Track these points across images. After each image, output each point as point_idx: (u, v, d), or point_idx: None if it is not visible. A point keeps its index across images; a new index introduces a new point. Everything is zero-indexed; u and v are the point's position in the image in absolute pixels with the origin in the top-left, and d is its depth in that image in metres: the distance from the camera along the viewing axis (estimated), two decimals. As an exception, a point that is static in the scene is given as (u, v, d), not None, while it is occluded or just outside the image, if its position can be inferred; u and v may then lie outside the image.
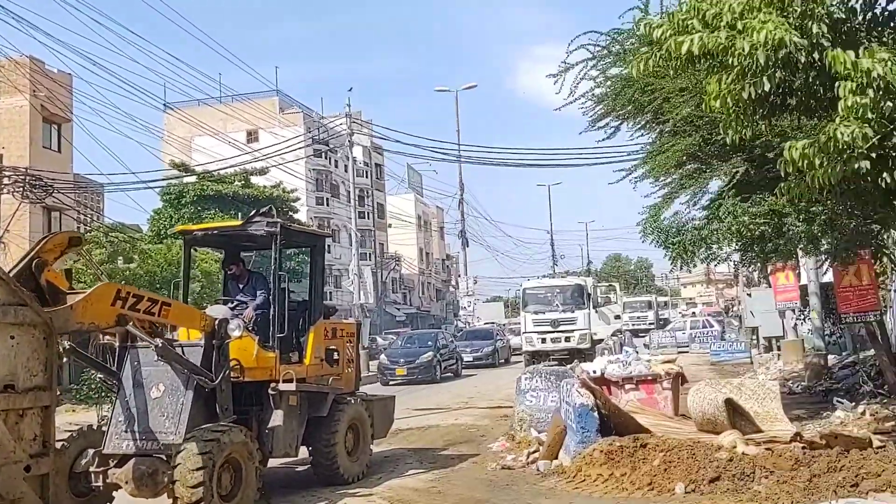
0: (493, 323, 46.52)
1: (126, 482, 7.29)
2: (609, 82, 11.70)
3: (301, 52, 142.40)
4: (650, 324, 51.03)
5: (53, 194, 27.19)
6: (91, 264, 7.15)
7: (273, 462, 9.30)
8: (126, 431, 7.60)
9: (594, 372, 11.32)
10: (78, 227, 35.38)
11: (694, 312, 58.40)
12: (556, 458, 9.33)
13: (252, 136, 51.78)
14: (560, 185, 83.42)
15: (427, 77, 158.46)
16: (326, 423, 9.11)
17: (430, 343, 26.60)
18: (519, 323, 43.09)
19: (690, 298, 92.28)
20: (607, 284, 33.33)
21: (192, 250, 10.21)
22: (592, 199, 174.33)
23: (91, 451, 7.54)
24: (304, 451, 9.30)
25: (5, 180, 25.10)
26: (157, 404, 7.68)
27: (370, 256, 50.52)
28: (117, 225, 34.77)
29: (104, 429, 7.76)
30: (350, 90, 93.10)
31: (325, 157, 55.16)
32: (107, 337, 8.51)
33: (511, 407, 12.53)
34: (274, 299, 8.94)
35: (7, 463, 4.85)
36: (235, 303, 9.27)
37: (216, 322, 7.94)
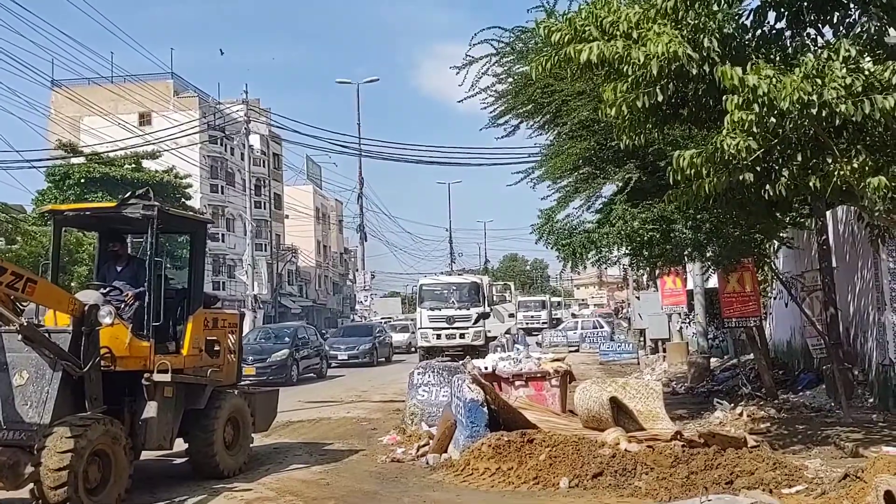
0: (389, 318, 46.51)
1: None
2: (511, 80, 11.89)
3: (199, 36, 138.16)
4: (543, 323, 52.25)
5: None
6: None
7: (150, 455, 8.99)
8: None
9: (486, 368, 11.49)
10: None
11: (584, 313, 60.10)
12: (446, 451, 9.42)
13: (144, 119, 49.88)
14: (460, 184, 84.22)
15: (328, 70, 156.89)
16: (204, 416, 8.85)
17: (286, 339, 23.04)
18: (403, 319, 43.71)
19: (583, 299, 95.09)
20: (503, 283, 34.02)
21: (62, 231, 9.70)
22: (492, 198, 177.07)
23: None
24: (182, 444, 9.02)
25: None
26: (21, 391, 7.31)
27: (266, 247, 49.55)
28: (-1, 204, 32.87)
29: None
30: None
31: (221, 144, 53.63)
32: None
33: (403, 401, 12.57)
34: (149, 286, 8.57)
35: None
36: (109, 288, 8.82)
37: (86, 307, 7.59)
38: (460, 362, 12.55)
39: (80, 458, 6.72)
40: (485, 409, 9.21)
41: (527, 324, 48.28)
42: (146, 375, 8.18)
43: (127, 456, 7.41)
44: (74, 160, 39.73)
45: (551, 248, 11.92)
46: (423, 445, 10.00)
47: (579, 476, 7.82)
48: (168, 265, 9.72)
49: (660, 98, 7.21)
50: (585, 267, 14.45)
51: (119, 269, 9.19)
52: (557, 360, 12.21)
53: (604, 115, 7.90)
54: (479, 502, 7.42)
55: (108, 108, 42.86)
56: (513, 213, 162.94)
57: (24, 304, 7.52)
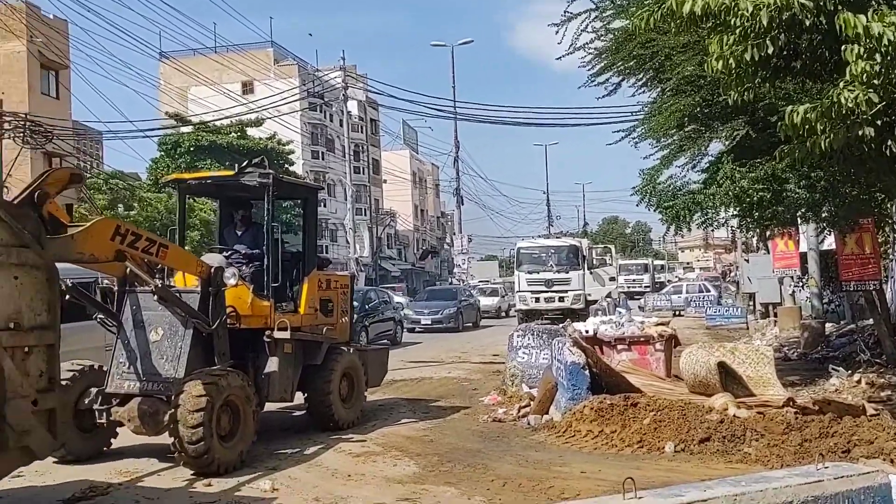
0: (486, 281, 46.69)
1: (129, 420, 7.60)
2: (611, 35, 11.57)
3: (296, 3, 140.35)
4: (645, 287, 51.34)
5: (53, 140, 27.08)
6: (94, 207, 7.40)
7: (271, 406, 9.53)
8: (127, 372, 7.85)
9: (586, 332, 11.44)
10: (76, 174, 35.25)
11: (689, 277, 58.63)
12: (547, 413, 9.50)
13: (247, 88, 51.29)
14: (557, 146, 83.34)
15: (423, 33, 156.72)
16: (321, 371, 9.34)
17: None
18: (494, 283, 43.46)
19: (688, 263, 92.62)
20: (603, 246, 33.37)
21: (186, 198, 10.28)
22: (590, 160, 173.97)
23: (94, 390, 7.84)
24: (300, 398, 9.61)
25: (6, 126, 24.89)
26: (157, 347, 7.89)
27: (365, 212, 50.47)
28: (116, 172, 34.70)
29: (105, 369, 7.99)
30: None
31: (321, 111, 54.70)
32: (106, 280, 8.59)
33: (503, 363, 12.70)
34: (267, 250, 9.09)
35: (16, 397, 4.96)
36: (231, 251, 9.36)
37: (212, 269, 8.04)
38: (560, 325, 12.53)
39: (212, 407, 7.21)
40: (586, 371, 9.22)
41: (628, 287, 47.55)
42: (267, 333, 8.70)
43: (253, 407, 7.91)
44: (183, 129, 41.36)
45: (654, 209, 11.64)
46: (524, 406, 10.11)
47: (685, 441, 7.75)
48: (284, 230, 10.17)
49: (770, 50, 6.87)
50: (690, 229, 14.07)
51: (239, 233, 9.71)
52: (662, 324, 12.02)
53: (710, 70, 7.61)
54: (582, 463, 7.46)
55: (213, 77, 44.39)
56: (613, 174, 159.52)
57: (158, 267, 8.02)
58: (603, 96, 12.34)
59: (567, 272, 26.47)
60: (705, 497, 3.11)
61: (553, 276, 26.45)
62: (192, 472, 7.25)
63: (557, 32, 11.31)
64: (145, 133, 35.96)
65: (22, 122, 25.80)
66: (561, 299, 26.19)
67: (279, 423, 9.88)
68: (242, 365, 8.46)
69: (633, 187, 11.95)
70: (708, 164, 11.64)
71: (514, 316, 31.08)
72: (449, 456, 7.95)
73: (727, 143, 10.79)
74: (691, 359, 9.51)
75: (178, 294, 8.05)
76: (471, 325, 29.76)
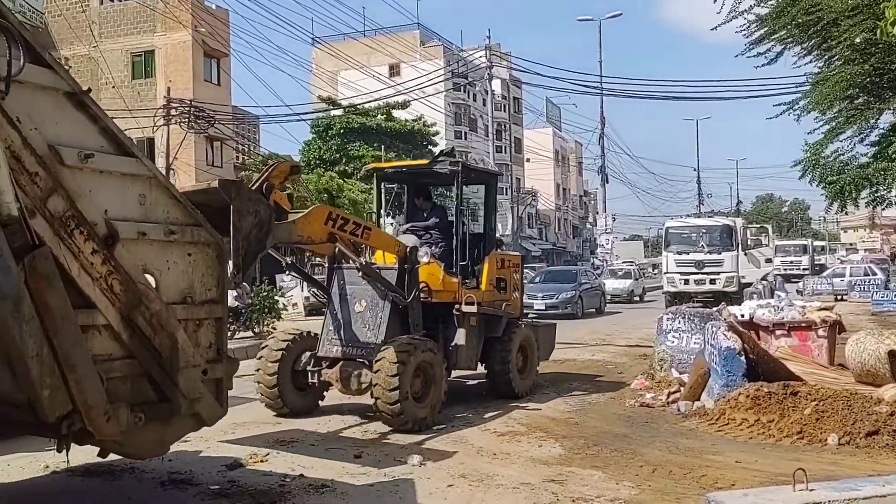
0: (631, 261, 45.58)
1: (336, 381, 8.79)
2: (772, 1, 10.95)
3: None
4: (804, 269, 48.55)
5: (215, 125, 28.85)
6: (306, 191, 8.51)
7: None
8: (335, 338, 9.01)
9: (742, 316, 10.97)
10: (237, 157, 37.43)
11: (853, 259, 54.81)
12: (698, 399, 9.20)
13: (394, 70, 52.42)
14: (709, 120, 79.65)
15: (569, 8, 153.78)
16: (501, 344, 10.18)
17: None
18: (625, 263, 41.54)
19: (851, 244, 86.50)
20: (759, 226, 31.65)
21: (382, 185, 11.04)
22: (745, 135, 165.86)
23: (308, 354, 9.09)
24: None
25: (172, 112, 26.78)
26: (360, 317, 8.97)
27: (507, 191, 50.52)
28: (272, 154, 36.54)
29: (317, 335, 9.20)
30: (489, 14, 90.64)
31: (464, 91, 55.13)
32: (317, 258, 9.42)
33: (650, 347, 12.40)
34: (456, 231, 10.00)
35: (188, 366, 5.35)
36: (422, 232, 10.19)
37: (408, 248, 8.96)
38: (713, 309, 12.06)
39: (408, 370, 8.07)
40: (742, 357, 8.83)
41: (785, 270, 45.06)
42: (456, 306, 9.60)
43: (442, 372, 8.73)
44: (334, 112, 42.87)
45: (817, 185, 11.00)
46: (674, 392, 9.83)
47: (850, 433, 7.32)
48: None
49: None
50: (857, 206, 13.16)
51: (425, 215, 10.50)
52: (824, 308, 11.33)
53: (884, 35, 7.03)
54: (737, 453, 7.19)
55: (362, 60, 45.65)
56: (769, 150, 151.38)
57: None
58: (762, 66, 11.78)
59: (719, 253, 25.39)
60: (884, 493, 2.92)
61: (704, 256, 25.44)
62: (389, 428, 8.23)
63: (715, 1, 10.86)
64: (300, 116, 37.47)
65: (187, 108, 27.68)
66: (712, 281, 25.18)
67: (459, 391, 10.53)
68: (433, 335, 9.27)
69: (795, 161, 11.34)
70: (879, 138, 10.85)
71: (650, 301, 30.04)
72: (595, 439, 7.88)
73: (901, 114, 9.98)
74: (859, 346, 8.94)
75: (378, 270, 8.94)
76: (593, 311, 26.90)
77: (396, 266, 8.93)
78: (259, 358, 9.10)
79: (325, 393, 9.41)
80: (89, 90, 5.07)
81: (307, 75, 54.20)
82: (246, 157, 37.65)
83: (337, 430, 8.44)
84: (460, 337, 9.60)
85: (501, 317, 10.26)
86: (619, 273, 36.59)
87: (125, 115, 24.93)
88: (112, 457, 5.70)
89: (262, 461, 7.05)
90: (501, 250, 11.63)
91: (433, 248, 9.80)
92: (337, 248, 8.20)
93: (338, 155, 42.16)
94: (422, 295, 9.13)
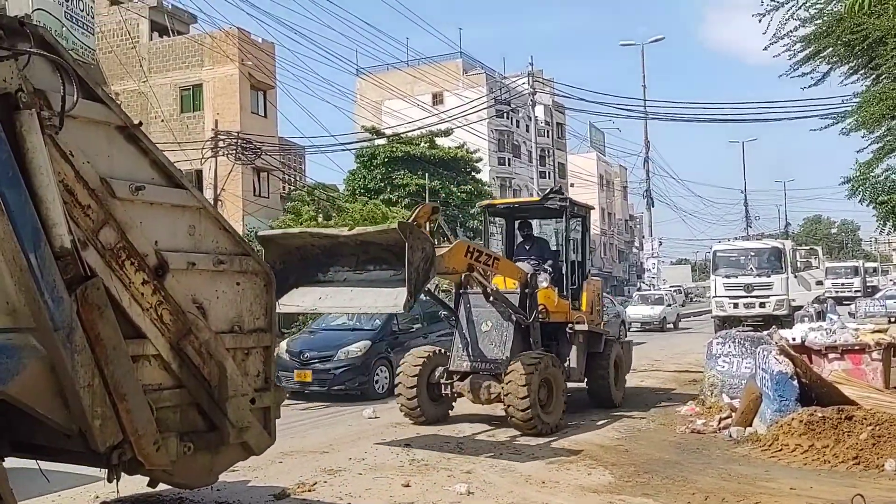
0: (678, 286, 44.83)
1: (467, 392, 10.00)
2: (819, 20, 10.81)
3: (484, 11, 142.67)
4: (856, 291, 47.26)
5: (262, 156, 29.35)
6: (444, 227, 9.45)
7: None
8: (464, 355, 10.20)
9: (793, 339, 10.70)
10: (283, 187, 38.02)
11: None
12: (751, 425, 8.99)
13: (437, 99, 52.83)
14: (755, 142, 78.48)
15: (611, 33, 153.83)
16: (602, 358, 11.34)
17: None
18: (655, 290, 40.16)
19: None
20: (808, 248, 30.95)
21: (489, 219, 12.80)
22: (792, 156, 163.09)
23: (440, 369, 10.37)
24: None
25: (220, 144, 27.35)
26: (487, 336, 10.11)
27: (553, 217, 50.31)
28: (318, 185, 37.01)
29: (447, 353, 10.47)
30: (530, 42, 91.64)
31: (507, 118, 55.31)
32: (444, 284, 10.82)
33: (700, 372, 12.18)
34: (565, 259, 11.40)
35: (237, 395, 5.42)
36: (533, 260, 11.24)
37: (528, 275, 10.25)
38: (764, 332, 11.81)
39: (535, 381, 9.27)
40: (794, 382, 8.63)
41: (836, 292, 43.92)
42: (570, 325, 10.82)
43: (563, 383, 9.97)
44: (378, 141, 43.32)
45: (867, 204, 10.75)
46: (725, 417, 9.63)
47: (910, 459, 7.06)
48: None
49: None
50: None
51: (527, 247, 11.70)
52: (878, 331, 11.00)
53: None
54: (791, 479, 7.00)
55: (406, 90, 46.15)
56: (816, 170, 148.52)
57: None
58: (809, 86, 11.62)
59: (769, 276, 24.86)
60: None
61: (753, 280, 24.94)
62: (520, 433, 9.40)
63: (760, 21, 10.80)
64: (344, 146, 38.00)
65: (234, 140, 28.24)
66: (762, 305, 24.65)
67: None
68: (548, 351, 10.32)
69: (844, 178, 11.11)
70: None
71: (685, 329, 29.17)
72: (645, 467, 7.75)
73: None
74: (916, 370, 8.65)
75: (504, 294, 9.99)
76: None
77: (518, 290, 10.15)
78: (398, 374, 10.50)
79: (453, 404, 10.71)
80: (140, 123, 5.23)
81: (351, 105, 54.98)
82: (292, 188, 38.19)
83: (384, 460, 8.44)
84: (573, 353, 10.79)
85: (601, 334, 11.50)
86: (652, 298, 34.86)
87: (174, 147, 25.55)
88: (161, 487, 5.78)
89: (309, 490, 7.07)
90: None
91: (546, 274, 10.91)
92: (464, 276, 9.43)
93: (382, 184, 42.48)
94: (540, 316, 10.28)
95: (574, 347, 10.82)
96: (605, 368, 11.30)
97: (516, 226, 12.19)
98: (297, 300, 8.45)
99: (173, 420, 5.11)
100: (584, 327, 10.89)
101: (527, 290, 10.13)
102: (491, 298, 9.78)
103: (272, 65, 35.55)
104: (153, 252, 5.00)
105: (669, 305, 34.53)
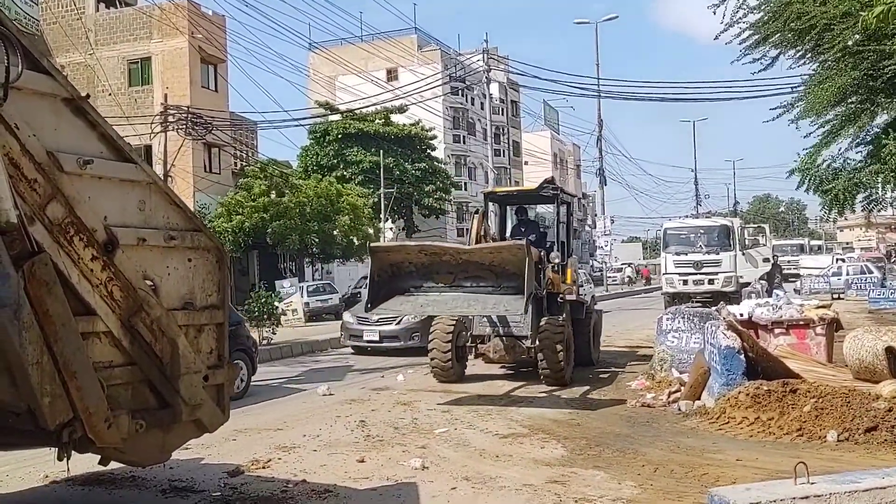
0: (630, 263, 45.45)
1: (493, 352, 11.69)
2: (766, 7, 11.01)
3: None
4: (804, 268, 48.50)
5: (213, 131, 28.82)
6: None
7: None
8: (485, 321, 11.76)
9: (741, 315, 10.98)
10: (235, 163, 37.44)
11: (850, 257, 54.79)
12: (699, 399, 9.22)
13: (392, 75, 52.43)
14: (706, 122, 79.68)
15: (566, 10, 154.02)
16: (584, 325, 12.94)
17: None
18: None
19: (847, 243, 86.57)
20: (756, 226, 31.65)
21: (490, 204, 14.02)
22: (741, 136, 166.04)
23: (465, 333, 11.98)
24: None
25: (170, 118, 26.76)
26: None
27: (508, 195, 50.44)
28: (271, 161, 36.50)
29: (466, 320, 11.90)
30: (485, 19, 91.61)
31: (462, 95, 55.16)
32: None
33: (650, 347, 12.42)
34: (557, 240, 12.85)
35: (189, 372, 5.36)
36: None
37: (541, 252, 11.69)
38: (712, 308, 12.09)
39: (564, 342, 11.03)
40: (742, 356, 8.85)
41: (783, 269, 45.05)
42: (561, 295, 12.17)
43: (571, 343, 11.61)
44: (332, 117, 42.87)
45: (812, 193, 11.02)
46: (675, 392, 9.85)
47: (849, 430, 7.34)
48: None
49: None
50: (853, 211, 13.18)
51: (523, 229, 13.12)
52: (822, 307, 11.36)
53: (866, 25, 6.94)
54: (738, 451, 7.20)
55: (360, 65, 45.67)
56: (765, 150, 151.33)
57: None
58: (759, 71, 11.80)
59: (717, 253, 25.38)
60: (884, 484, 2.94)
61: (703, 257, 25.44)
62: (550, 385, 11.09)
63: (715, 14, 10.96)
64: (298, 122, 37.52)
65: (184, 115, 27.67)
66: (711, 282, 25.17)
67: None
68: None
69: (790, 170, 11.37)
70: (872, 139, 10.88)
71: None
72: (597, 440, 7.89)
73: (893, 117, 10.01)
74: (856, 343, 8.95)
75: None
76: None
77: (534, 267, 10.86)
78: (431, 339, 11.81)
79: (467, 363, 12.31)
80: (87, 96, 5.09)
81: (305, 80, 54.23)
82: (244, 164, 37.62)
83: (339, 436, 8.45)
84: (565, 318, 11.92)
85: (583, 303, 13.10)
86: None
87: (122, 122, 24.93)
88: (113, 465, 5.71)
89: (263, 467, 7.05)
90: None
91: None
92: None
93: (335, 160, 42.16)
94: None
95: (563, 315, 11.95)
96: (587, 333, 12.96)
97: (514, 210, 13.92)
98: (396, 306, 10.23)
99: (125, 397, 5.05)
100: (573, 297, 12.43)
101: (540, 266, 11.36)
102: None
103: (223, 38, 34.83)
104: (102, 227, 4.89)
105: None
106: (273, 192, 32.45)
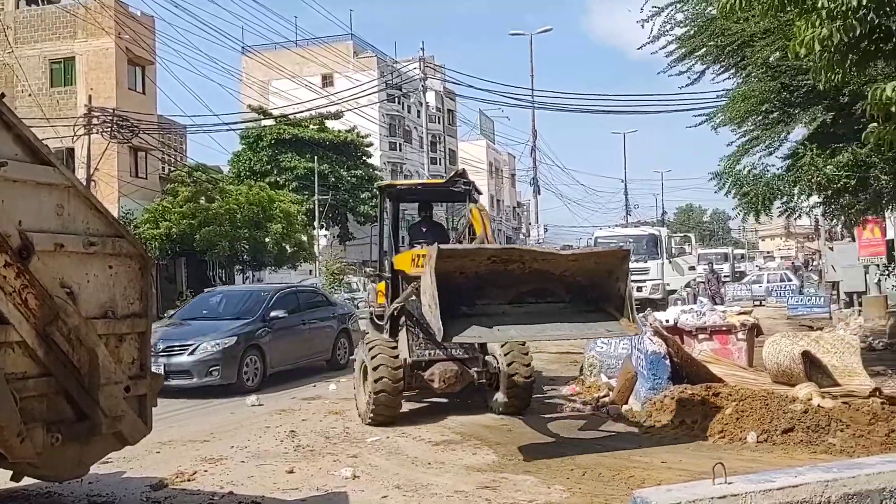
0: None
1: (441, 380, 9.33)
2: (692, 22, 11.38)
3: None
4: (726, 276, 50.07)
5: (139, 135, 28.13)
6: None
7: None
8: (423, 342, 9.61)
9: (667, 321, 11.25)
10: (162, 167, 36.59)
11: (770, 266, 56.82)
12: (627, 403, 9.40)
13: (327, 81, 52.10)
14: (635, 133, 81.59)
15: (503, 21, 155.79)
16: None
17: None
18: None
19: (768, 252, 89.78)
20: (682, 235, 32.56)
21: (386, 201, 11.21)
22: (670, 148, 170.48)
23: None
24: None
25: (94, 121, 26.01)
26: None
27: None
28: (200, 166, 35.79)
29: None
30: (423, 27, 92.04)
31: (398, 103, 55.19)
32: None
33: (580, 353, 12.59)
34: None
35: (109, 383, 5.19)
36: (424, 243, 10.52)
37: None
38: (640, 315, 12.36)
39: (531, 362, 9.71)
40: (667, 361, 9.08)
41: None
42: None
43: None
44: (265, 122, 42.34)
45: (731, 196, 11.40)
46: (603, 396, 10.02)
47: (768, 431, 7.57)
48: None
49: (858, 32, 6.59)
50: (770, 217, 13.66)
51: (424, 230, 11.24)
52: (743, 313, 11.73)
53: (793, 55, 7.32)
54: (663, 453, 7.36)
55: (294, 70, 45.27)
56: (692, 162, 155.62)
57: None
58: (686, 85, 12.15)
59: (646, 261, 25.97)
60: (796, 483, 3.07)
61: (631, 265, 25.95)
62: (508, 415, 9.33)
63: (644, 27, 11.26)
64: (229, 126, 36.86)
65: (110, 117, 26.95)
66: (639, 289, 25.64)
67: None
68: None
69: (712, 173, 11.73)
70: (789, 151, 11.33)
71: None
72: (528, 445, 7.96)
73: (809, 128, 10.45)
74: (775, 348, 9.27)
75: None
76: (324, 363, 14.62)
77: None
78: (377, 379, 9.02)
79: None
80: (3, 95, 4.91)
81: (237, 84, 53.44)
82: (172, 169, 36.80)
83: (268, 447, 8.30)
84: None
85: None
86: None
87: (43, 123, 24.11)
88: (27, 480, 5.50)
89: (188, 480, 6.89)
90: None
91: None
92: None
93: (269, 166, 41.64)
94: None
95: None
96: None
97: (420, 211, 11.64)
98: (474, 333, 7.48)
99: (39, 410, 4.86)
100: None
101: None
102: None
103: (151, 39, 34.07)
104: (16, 232, 4.71)
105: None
106: (202, 197, 31.84)
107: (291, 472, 7.11)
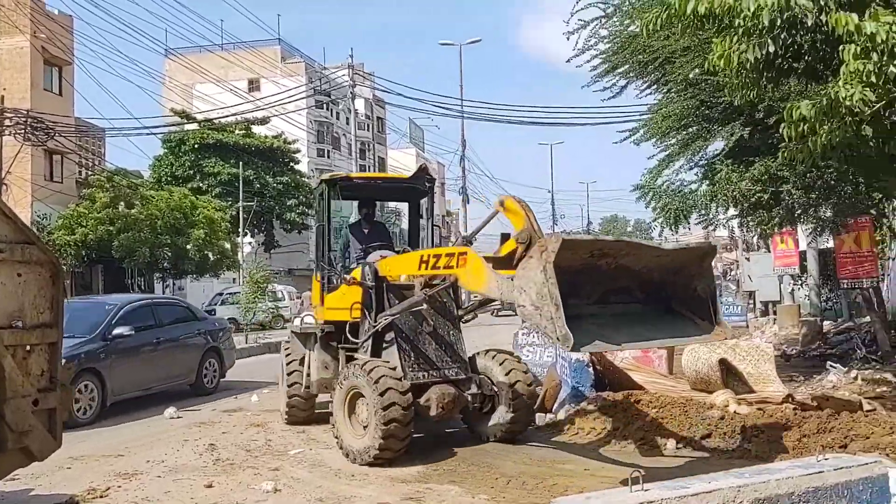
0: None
1: (438, 406, 8.04)
2: (615, 39, 11.64)
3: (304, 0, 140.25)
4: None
5: (55, 137, 27.11)
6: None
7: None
8: (416, 364, 8.40)
9: (591, 329, 11.42)
10: (79, 172, 35.36)
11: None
12: (550, 411, 9.50)
13: (254, 85, 51.32)
14: (562, 145, 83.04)
15: (431, 31, 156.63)
16: None
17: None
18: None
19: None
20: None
21: (332, 196, 10.04)
22: (596, 159, 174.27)
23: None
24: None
25: (6, 122, 24.95)
26: (433, 337, 8.63)
27: (370, 210, 50.37)
28: (119, 170, 34.73)
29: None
30: (352, 34, 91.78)
31: (327, 109, 54.78)
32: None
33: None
34: (430, 241, 10.20)
35: (16, 396, 4.96)
36: (382, 245, 9.82)
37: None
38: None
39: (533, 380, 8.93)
40: (590, 369, 9.24)
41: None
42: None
43: None
44: (188, 126, 41.40)
45: (652, 209, 11.69)
46: (528, 404, 10.08)
47: (686, 437, 7.77)
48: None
49: (771, 49, 6.84)
50: (689, 228, 14.06)
51: (366, 231, 10.17)
52: (664, 321, 12.00)
53: (710, 68, 7.56)
54: (586, 461, 7.46)
55: (220, 74, 44.40)
56: (617, 173, 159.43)
57: None
58: (609, 98, 12.39)
59: None
60: (710, 489, 3.15)
61: None
62: (502, 441, 8.29)
63: (569, 40, 11.45)
64: (150, 130, 35.92)
65: (23, 119, 25.90)
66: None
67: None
68: None
69: (633, 185, 12.01)
70: (706, 164, 11.68)
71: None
72: (453, 455, 7.95)
73: (727, 143, 10.80)
74: (693, 356, 9.53)
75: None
76: (188, 387, 13.18)
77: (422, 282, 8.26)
78: (387, 410, 7.79)
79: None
80: None
81: (159, 87, 52.07)
82: (89, 173, 35.60)
83: (186, 461, 8.06)
84: None
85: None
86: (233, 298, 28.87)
87: (-49, 125, 23.01)
88: (-74, 499, 5.20)
89: (101, 497, 6.64)
90: None
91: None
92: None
93: (191, 171, 40.72)
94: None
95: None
96: None
97: (366, 206, 10.55)
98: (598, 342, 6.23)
99: (-61, 426, 4.61)
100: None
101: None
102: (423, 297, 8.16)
103: (69, 39, 32.93)
104: (-85, 239, 4.47)
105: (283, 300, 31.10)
106: (121, 203, 30.90)
107: (210, 486, 6.93)
